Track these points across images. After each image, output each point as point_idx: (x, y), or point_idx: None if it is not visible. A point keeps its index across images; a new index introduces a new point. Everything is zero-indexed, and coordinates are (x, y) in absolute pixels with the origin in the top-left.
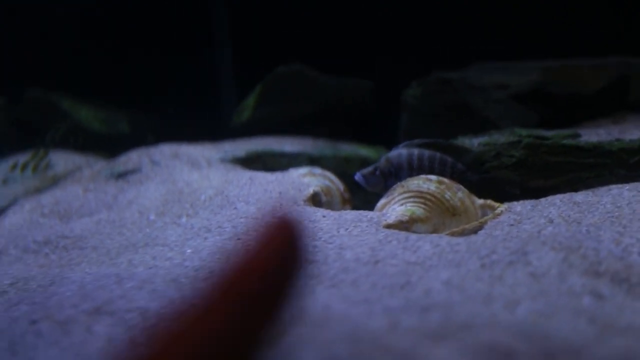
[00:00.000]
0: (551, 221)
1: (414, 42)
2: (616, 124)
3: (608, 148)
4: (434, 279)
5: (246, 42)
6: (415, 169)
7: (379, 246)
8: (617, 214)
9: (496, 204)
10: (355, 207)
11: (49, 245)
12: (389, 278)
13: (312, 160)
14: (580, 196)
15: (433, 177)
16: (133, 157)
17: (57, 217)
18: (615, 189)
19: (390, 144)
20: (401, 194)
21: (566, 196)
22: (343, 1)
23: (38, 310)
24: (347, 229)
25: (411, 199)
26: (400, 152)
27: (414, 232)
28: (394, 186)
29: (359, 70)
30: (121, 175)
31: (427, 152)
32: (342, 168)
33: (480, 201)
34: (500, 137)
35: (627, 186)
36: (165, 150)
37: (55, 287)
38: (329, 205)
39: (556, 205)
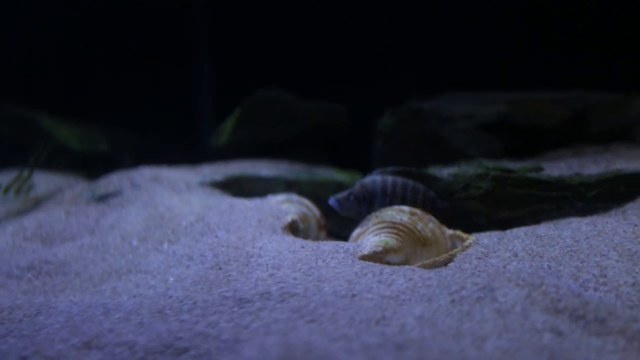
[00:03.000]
0: (516, 255)
1: (388, 70)
2: (576, 155)
3: (568, 182)
4: (408, 314)
5: (226, 64)
6: (388, 195)
7: (355, 279)
8: (575, 248)
9: (465, 235)
10: (330, 232)
11: (32, 270)
12: (365, 312)
13: (288, 185)
14: (542, 229)
15: (405, 208)
16: (114, 180)
17: (40, 241)
18: (574, 222)
19: (364, 169)
20: (375, 224)
21: (530, 229)
22: (321, 30)
23: (28, 345)
24: (324, 261)
25: (385, 230)
26: (374, 179)
27: (388, 261)
28: (369, 216)
29: (334, 95)
30: (102, 198)
31: (400, 180)
32: (317, 193)
33: (450, 231)
34: (468, 169)
35: (585, 220)
36: (145, 173)
37: (42, 319)
38: (306, 232)
39: (520, 238)
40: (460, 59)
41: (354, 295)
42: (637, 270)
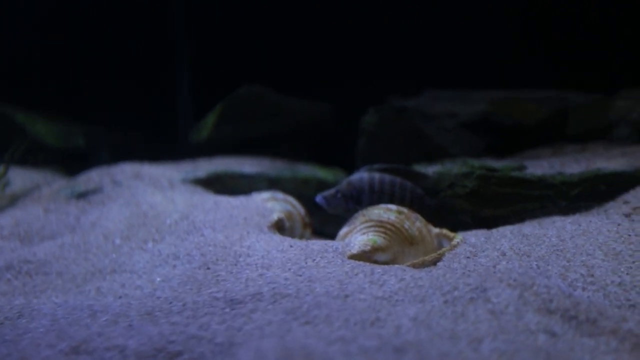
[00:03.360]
0: (504, 254)
1: (370, 68)
2: (555, 154)
3: (551, 181)
4: (402, 315)
5: (205, 60)
6: (376, 192)
7: (346, 279)
8: (561, 247)
9: (451, 234)
10: (314, 229)
11: (11, 270)
12: (359, 314)
13: (270, 182)
14: (528, 228)
15: (393, 206)
16: (94, 177)
17: (18, 240)
18: (559, 221)
19: (346, 167)
20: (363, 223)
21: (515, 228)
22: (304, 27)
23: (12, 351)
24: (314, 260)
25: (372, 228)
26: (362, 176)
27: (376, 260)
28: (356, 215)
29: (318, 93)
30: (82, 195)
31: (387, 177)
32: (300, 190)
33: (436, 230)
34: (453, 167)
35: (569, 219)
36: (126, 170)
37: (25, 322)
38: (291, 230)
39: (507, 237)
40: (441, 57)
41: (346, 296)
42: (622, 269)
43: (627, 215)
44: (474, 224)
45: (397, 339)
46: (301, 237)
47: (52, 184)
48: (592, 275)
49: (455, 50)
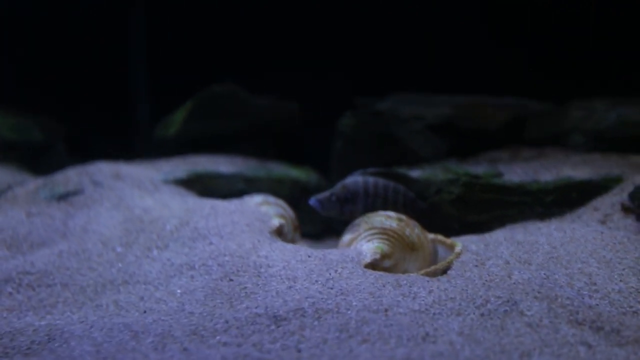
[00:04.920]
0: (507, 262)
1: (338, 69)
2: (513, 157)
3: (528, 188)
4: (448, 330)
5: (162, 56)
6: (370, 195)
7: (376, 291)
8: (555, 254)
9: (446, 240)
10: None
11: (11, 283)
12: (407, 329)
13: (247, 181)
14: (519, 235)
15: (392, 214)
16: (72, 177)
17: (5, 247)
18: (543, 227)
19: (314, 165)
20: (367, 230)
21: (507, 234)
22: (271, 26)
23: None
24: (336, 271)
25: (376, 236)
26: (356, 180)
27: (383, 267)
28: (357, 222)
29: (287, 92)
30: (63, 197)
31: (381, 181)
32: (275, 189)
33: (432, 236)
34: (437, 173)
35: (552, 225)
36: (104, 170)
37: (61, 347)
38: (286, 234)
39: (503, 244)
40: (406, 61)
41: (386, 310)
42: (616, 277)
43: (603, 222)
44: (461, 230)
45: (459, 357)
46: (292, 240)
47: (25, 184)
48: (595, 284)
49: (419, 55)
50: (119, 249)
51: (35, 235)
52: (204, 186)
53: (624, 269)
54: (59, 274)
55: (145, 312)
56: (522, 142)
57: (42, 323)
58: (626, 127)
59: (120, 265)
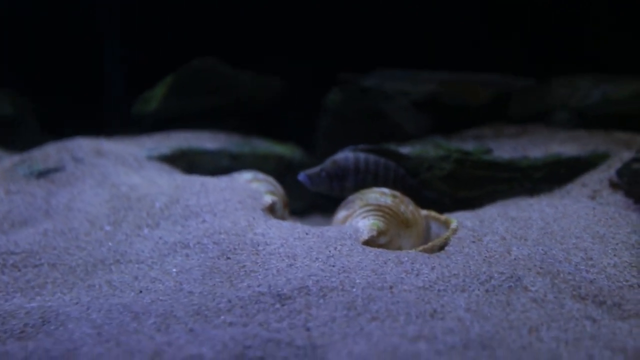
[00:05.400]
0: (504, 238)
1: (321, 45)
2: (496, 134)
3: (518, 164)
4: (455, 306)
5: (137, 29)
6: (361, 171)
7: (378, 268)
8: (549, 230)
9: (440, 216)
10: None
11: None
12: (414, 306)
13: (232, 158)
14: (512, 211)
15: (386, 190)
16: (51, 153)
17: None
18: (535, 204)
19: (297, 140)
20: (362, 207)
21: (500, 211)
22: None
23: None
24: (336, 248)
25: (372, 212)
26: (347, 156)
27: (379, 243)
28: (351, 198)
29: (270, 68)
30: (43, 174)
31: (372, 157)
32: (260, 165)
33: (425, 212)
34: (428, 149)
35: (543, 201)
36: (84, 146)
37: (58, 330)
38: (276, 211)
39: (497, 220)
40: (390, 37)
41: (391, 287)
42: (610, 251)
43: (592, 198)
44: (452, 205)
45: (469, 333)
46: (282, 217)
47: (1, 161)
48: (591, 259)
49: (402, 31)
50: (107, 228)
51: (16, 213)
52: (188, 162)
53: (617, 244)
54: (46, 254)
55: (141, 292)
56: (506, 119)
57: (33, 305)
58: (610, 104)
59: (110, 244)
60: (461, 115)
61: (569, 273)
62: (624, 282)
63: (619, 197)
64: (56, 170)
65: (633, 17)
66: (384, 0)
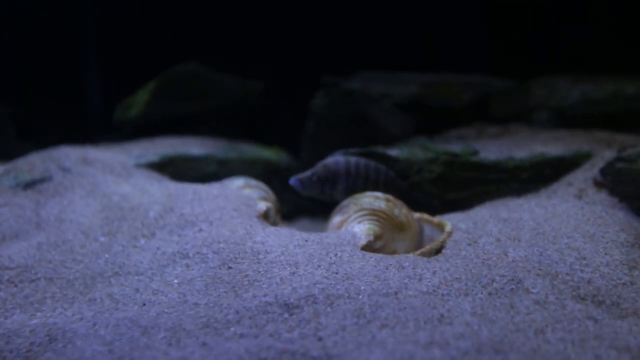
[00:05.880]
0: (498, 240)
1: (304, 49)
2: (479, 135)
3: (505, 165)
4: (461, 311)
5: (116, 34)
6: (352, 175)
7: (381, 274)
8: (541, 230)
9: (434, 219)
10: None
11: None
12: (421, 312)
13: (220, 163)
14: (503, 213)
15: (380, 194)
16: (37, 163)
17: None
18: (525, 204)
19: (283, 144)
20: (357, 212)
21: (491, 212)
22: (234, 6)
23: None
24: (336, 255)
25: (367, 217)
26: (337, 160)
27: (374, 248)
28: (345, 203)
29: (254, 72)
30: (30, 185)
31: (363, 160)
32: (248, 170)
33: (417, 215)
34: (416, 152)
35: (532, 201)
36: (71, 155)
37: (66, 348)
38: (270, 217)
39: (490, 222)
40: (371, 40)
41: (396, 293)
42: (601, 250)
43: (579, 197)
44: (442, 207)
45: (479, 338)
46: (274, 222)
47: None
48: (584, 258)
49: (383, 34)
50: (102, 239)
51: (6, 227)
52: (176, 169)
53: (607, 243)
54: (41, 268)
55: (144, 304)
56: (487, 119)
57: (36, 322)
58: (589, 104)
59: (107, 256)
60: (443, 116)
61: (567, 274)
62: (618, 281)
63: (604, 196)
64: (43, 180)
65: (607, 17)
66: (364, 5)
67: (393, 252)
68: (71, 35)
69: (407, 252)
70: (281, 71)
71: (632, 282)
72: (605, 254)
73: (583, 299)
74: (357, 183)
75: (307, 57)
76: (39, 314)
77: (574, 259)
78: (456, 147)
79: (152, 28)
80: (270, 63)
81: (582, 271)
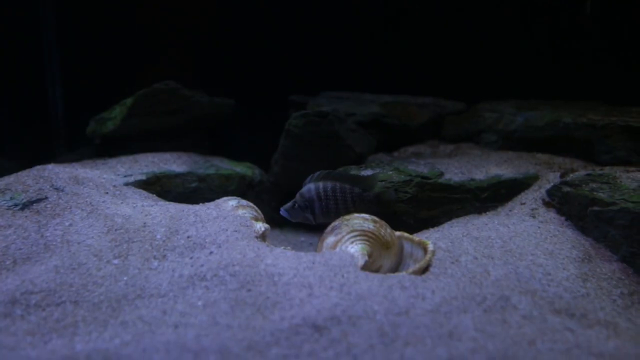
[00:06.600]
0: (476, 258)
1: (272, 70)
2: (433, 152)
3: (468, 186)
4: (464, 327)
5: (79, 50)
6: (323, 199)
7: (388, 294)
8: (508, 248)
9: (415, 237)
10: None
11: (18, 304)
12: (433, 329)
13: (200, 179)
14: (474, 231)
15: (367, 216)
16: (29, 182)
17: None
18: (490, 223)
19: (252, 159)
20: (349, 233)
21: (463, 231)
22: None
23: None
24: (343, 276)
25: (358, 238)
26: (309, 187)
27: (365, 266)
28: (338, 224)
29: (224, 91)
30: (26, 206)
31: (329, 184)
32: (224, 185)
33: (398, 233)
34: (392, 175)
35: (495, 220)
36: (60, 174)
37: None
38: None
39: (464, 240)
40: (335, 61)
41: (407, 312)
42: (560, 266)
43: (533, 216)
44: (415, 224)
45: (489, 352)
46: (263, 240)
47: None
48: (549, 274)
49: (346, 56)
50: (115, 262)
51: (14, 249)
52: (162, 186)
53: (564, 259)
54: (65, 292)
55: (177, 327)
56: (440, 138)
57: (81, 347)
58: (531, 129)
59: (125, 278)
60: (401, 135)
61: (543, 290)
62: (577, 293)
63: (553, 215)
64: (38, 200)
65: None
66: (328, 31)
67: (379, 268)
68: (35, 50)
69: (392, 267)
70: (251, 91)
71: (587, 293)
72: (564, 269)
73: (559, 312)
74: (329, 205)
75: (274, 78)
76: (77, 338)
77: (541, 275)
78: (424, 169)
79: (116, 45)
80: (240, 83)
81: (549, 286)
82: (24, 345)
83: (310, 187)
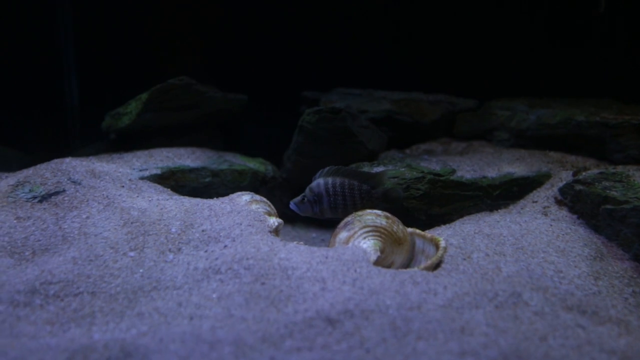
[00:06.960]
0: (488, 255)
1: (285, 66)
2: (445, 149)
3: (480, 184)
4: (477, 322)
5: (94, 45)
6: (331, 194)
7: (400, 289)
8: (519, 245)
9: (427, 234)
10: None
11: (38, 295)
12: (445, 324)
13: (213, 174)
14: (486, 229)
15: (380, 212)
16: (47, 175)
17: (7, 254)
18: (502, 221)
19: (264, 154)
20: (361, 228)
21: (475, 228)
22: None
23: None
24: (356, 271)
25: (371, 233)
26: (319, 182)
27: (377, 261)
28: (350, 220)
29: (237, 87)
30: (45, 198)
31: (338, 180)
32: (237, 180)
33: (410, 229)
34: (402, 171)
35: (507, 218)
36: (78, 167)
37: None
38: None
39: (476, 238)
40: (346, 58)
41: (419, 307)
42: (571, 263)
43: (545, 214)
44: (427, 221)
45: (502, 347)
46: (276, 234)
47: None
48: (561, 271)
49: (358, 52)
50: (131, 254)
51: (33, 240)
52: (177, 181)
53: (575, 257)
54: (82, 283)
55: (192, 318)
56: (452, 136)
57: (99, 336)
58: (543, 127)
59: (141, 270)
60: (413, 132)
61: (555, 287)
62: (589, 291)
63: (565, 213)
64: (57, 193)
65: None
66: (340, 28)
67: (391, 263)
68: (51, 44)
69: (403, 263)
70: (261, 86)
71: (599, 291)
72: (576, 266)
73: (570, 309)
74: (337, 200)
75: (284, 74)
76: (94, 328)
77: (553, 272)
78: (436, 166)
79: (130, 42)
80: (253, 79)
81: (560, 283)
82: (44, 334)
83: (319, 182)
